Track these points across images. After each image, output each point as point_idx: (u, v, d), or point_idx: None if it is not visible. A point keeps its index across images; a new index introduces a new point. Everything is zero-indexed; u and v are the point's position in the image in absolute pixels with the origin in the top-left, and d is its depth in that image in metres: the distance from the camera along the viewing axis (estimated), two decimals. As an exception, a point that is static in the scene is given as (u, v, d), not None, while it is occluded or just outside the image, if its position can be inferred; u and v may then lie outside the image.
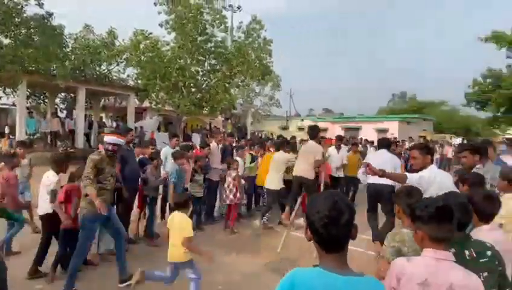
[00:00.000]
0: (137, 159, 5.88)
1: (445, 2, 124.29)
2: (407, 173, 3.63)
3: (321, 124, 31.77)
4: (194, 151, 7.28)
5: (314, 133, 6.39)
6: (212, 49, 18.25)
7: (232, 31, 19.33)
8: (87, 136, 17.63)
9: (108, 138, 4.09)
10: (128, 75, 20.27)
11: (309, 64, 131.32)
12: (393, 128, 26.76)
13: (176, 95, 17.72)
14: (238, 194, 6.65)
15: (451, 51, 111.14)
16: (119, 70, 20.16)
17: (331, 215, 1.27)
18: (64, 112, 21.40)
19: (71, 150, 13.58)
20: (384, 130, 26.74)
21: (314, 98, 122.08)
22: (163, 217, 6.66)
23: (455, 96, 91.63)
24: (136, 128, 18.44)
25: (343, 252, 1.31)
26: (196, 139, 17.66)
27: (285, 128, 37.92)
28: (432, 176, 3.41)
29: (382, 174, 3.54)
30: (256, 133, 26.59)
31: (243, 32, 18.72)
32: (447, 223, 1.70)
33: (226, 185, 6.69)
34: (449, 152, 17.56)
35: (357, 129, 28.97)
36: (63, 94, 21.10)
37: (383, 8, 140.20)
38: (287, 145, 7.45)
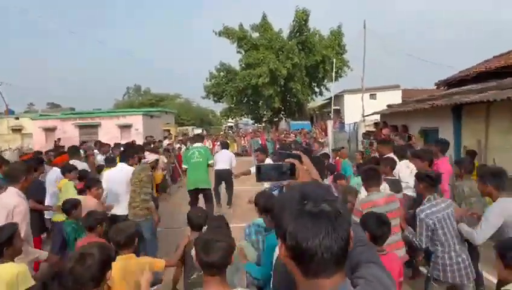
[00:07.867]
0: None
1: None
2: None
3: (48, 122, 25.05)
4: None
5: None
6: None
7: None
8: None
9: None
10: None
11: (27, 52, 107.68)
12: (137, 123, 24.53)
13: None
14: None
15: (186, 43, 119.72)
16: None
17: None
18: None
19: None
20: (128, 126, 24.18)
21: (35, 92, 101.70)
22: None
23: (188, 88, 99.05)
24: None
25: None
26: None
27: (-10, 130, 28.02)
28: None
29: None
30: None
31: None
32: None
33: None
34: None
35: (96, 126, 24.56)
36: None
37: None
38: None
